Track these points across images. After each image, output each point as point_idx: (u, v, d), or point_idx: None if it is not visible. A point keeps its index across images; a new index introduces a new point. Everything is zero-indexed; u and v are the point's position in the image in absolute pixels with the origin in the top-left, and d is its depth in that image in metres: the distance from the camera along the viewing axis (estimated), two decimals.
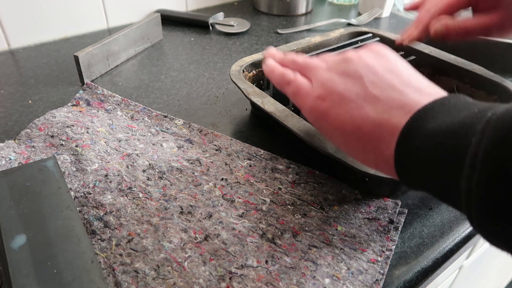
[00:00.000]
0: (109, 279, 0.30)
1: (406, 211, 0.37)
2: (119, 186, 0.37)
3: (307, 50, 0.55)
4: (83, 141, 0.42)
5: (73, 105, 0.49)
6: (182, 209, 0.36)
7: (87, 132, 0.43)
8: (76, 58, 0.53)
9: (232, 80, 0.46)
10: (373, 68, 0.30)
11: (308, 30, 0.76)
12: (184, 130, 0.46)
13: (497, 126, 0.20)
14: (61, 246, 0.30)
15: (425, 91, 0.27)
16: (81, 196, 0.36)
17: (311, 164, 0.42)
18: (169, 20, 0.76)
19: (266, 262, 0.32)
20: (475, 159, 0.20)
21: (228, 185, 0.39)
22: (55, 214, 0.32)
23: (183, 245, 0.33)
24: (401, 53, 0.53)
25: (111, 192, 0.37)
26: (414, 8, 0.49)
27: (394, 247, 0.34)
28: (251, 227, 0.35)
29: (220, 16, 0.77)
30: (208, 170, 0.41)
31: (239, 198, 0.38)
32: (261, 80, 0.52)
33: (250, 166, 0.41)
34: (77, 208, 0.35)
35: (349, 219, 0.36)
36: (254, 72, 0.51)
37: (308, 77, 0.34)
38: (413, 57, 0.52)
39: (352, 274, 0.31)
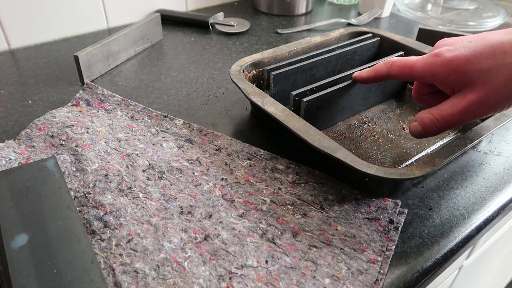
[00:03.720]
0: (109, 279, 0.30)
1: (406, 211, 0.37)
2: (119, 186, 0.37)
3: (307, 50, 0.55)
4: (83, 141, 0.42)
5: (73, 105, 0.49)
6: (182, 209, 0.36)
7: (87, 132, 0.43)
8: (76, 58, 0.53)
9: (232, 80, 0.46)
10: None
11: (308, 30, 0.76)
12: (184, 130, 0.46)
13: None
14: (61, 246, 0.30)
15: None
16: (81, 196, 0.36)
17: (311, 164, 0.42)
18: (169, 20, 0.76)
19: (266, 262, 0.32)
20: None
21: (228, 185, 0.39)
22: (55, 214, 0.32)
23: (183, 245, 0.33)
24: (401, 53, 0.53)
25: (111, 192, 0.37)
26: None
27: (394, 247, 0.34)
28: (251, 227, 0.35)
29: (220, 16, 0.77)
30: (208, 170, 0.41)
31: (239, 198, 0.38)
32: (261, 80, 0.52)
33: (250, 166, 0.41)
34: (77, 208, 0.35)
35: (349, 219, 0.36)
36: (254, 72, 0.51)
37: None
38: None
39: (352, 274, 0.31)
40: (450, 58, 0.35)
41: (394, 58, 0.40)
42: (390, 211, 0.37)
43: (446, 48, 0.36)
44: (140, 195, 0.37)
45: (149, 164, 0.41)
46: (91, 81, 0.55)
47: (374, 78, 0.42)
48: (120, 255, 0.32)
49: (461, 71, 0.34)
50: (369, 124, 0.49)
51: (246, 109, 0.51)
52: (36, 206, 0.33)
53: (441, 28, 0.74)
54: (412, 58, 0.38)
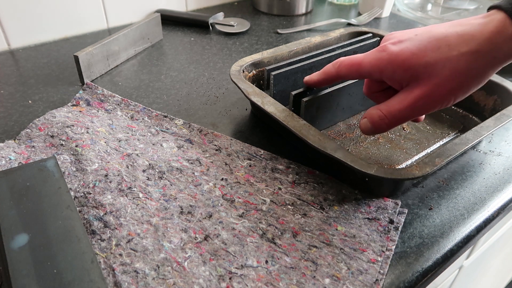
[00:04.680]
0: (109, 279, 0.30)
1: (406, 211, 0.37)
2: (119, 186, 0.37)
3: (307, 50, 0.55)
4: (83, 141, 0.42)
5: (73, 105, 0.49)
6: (182, 209, 0.36)
7: (87, 132, 0.43)
8: (76, 58, 0.53)
9: (232, 80, 0.46)
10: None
11: (308, 30, 0.76)
12: (184, 130, 0.46)
13: None
14: (61, 246, 0.30)
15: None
16: (81, 196, 0.36)
17: (311, 164, 0.42)
18: (169, 20, 0.76)
19: (266, 262, 0.32)
20: None
21: (228, 185, 0.39)
22: (55, 214, 0.32)
23: (183, 245, 0.33)
24: None
25: (111, 192, 0.37)
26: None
27: (394, 247, 0.34)
28: (251, 227, 0.35)
29: (220, 16, 0.77)
30: (208, 170, 0.41)
31: (239, 198, 0.38)
32: (261, 80, 0.52)
33: (250, 166, 0.41)
34: (77, 208, 0.35)
35: (349, 219, 0.36)
36: (254, 72, 0.51)
37: None
38: None
39: (352, 274, 0.31)
40: (396, 52, 0.34)
41: (342, 58, 0.39)
42: (390, 211, 0.37)
43: (392, 42, 0.35)
44: (140, 195, 0.37)
45: (149, 164, 0.41)
46: (91, 81, 0.55)
47: (324, 80, 0.41)
48: (120, 255, 0.32)
49: (407, 65, 0.34)
50: None
51: (246, 109, 0.51)
52: (36, 206, 0.33)
53: None
54: (360, 55, 0.37)
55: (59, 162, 0.39)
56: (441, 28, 0.34)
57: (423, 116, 0.41)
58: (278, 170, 0.41)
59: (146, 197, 0.37)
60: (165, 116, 0.48)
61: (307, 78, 0.43)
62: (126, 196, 0.37)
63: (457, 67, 0.32)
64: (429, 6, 0.91)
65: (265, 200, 0.38)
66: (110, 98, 0.50)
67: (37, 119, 0.45)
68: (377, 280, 0.31)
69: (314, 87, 0.43)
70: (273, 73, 0.47)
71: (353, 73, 0.38)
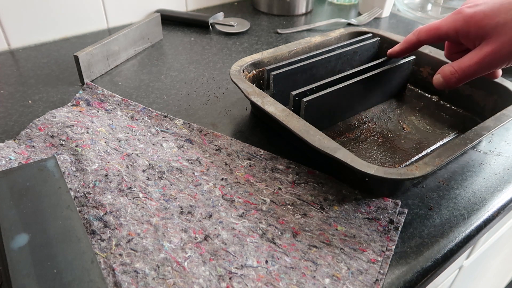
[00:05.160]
0: (109, 279, 0.30)
1: (406, 211, 0.37)
2: (119, 186, 0.37)
3: (307, 50, 0.55)
4: (83, 141, 0.42)
5: (73, 105, 0.49)
6: (182, 209, 0.36)
7: (87, 132, 0.43)
8: (76, 58, 0.53)
9: (232, 80, 0.46)
10: None
11: (308, 30, 0.76)
12: (184, 130, 0.46)
13: None
14: (61, 246, 0.30)
15: None
16: (81, 196, 0.36)
17: (311, 164, 0.42)
18: (169, 20, 0.76)
19: (266, 262, 0.32)
20: None
21: (228, 185, 0.39)
22: (55, 214, 0.32)
23: (183, 245, 0.33)
24: (414, 57, 0.53)
25: (111, 192, 0.37)
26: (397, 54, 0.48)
27: (394, 247, 0.34)
28: (251, 227, 0.35)
29: (220, 16, 0.77)
30: (208, 170, 0.41)
31: (239, 198, 0.38)
32: (261, 80, 0.52)
33: (250, 166, 0.41)
34: (77, 208, 0.35)
35: (349, 219, 0.36)
36: (254, 72, 0.51)
37: None
38: (413, 57, 0.52)
39: (352, 274, 0.31)
40: (471, 14, 0.38)
41: (420, 27, 0.43)
42: (390, 211, 0.37)
43: (468, 5, 0.39)
44: (140, 195, 0.37)
45: (149, 164, 0.41)
46: (91, 81, 0.55)
47: (406, 48, 0.46)
48: (120, 255, 0.32)
49: (480, 25, 0.37)
50: (369, 124, 0.49)
51: (246, 109, 0.51)
52: (36, 206, 0.33)
53: None
54: (436, 21, 0.42)
55: (59, 162, 0.39)
56: None
57: (500, 72, 0.44)
58: (278, 170, 0.41)
59: (146, 197, 0.37)
60: (165, 116, 0.48)
61: (390, 50, 0.49)
62: (126, 196, 0.37)
63: None
64: (429, 6, 0.91)
65: (265, 200, 0.38)
66: (110, 98, 0.50)
67: (37, 119, 0.45)
68: (377, 280, 0.31)
69: (397, 57, 0.49)
70: (273, 73, 0.47)
71: (431, 36, 0.42)
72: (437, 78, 0.41)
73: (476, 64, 0.38)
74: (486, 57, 0.37)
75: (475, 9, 0.38)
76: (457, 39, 0.40)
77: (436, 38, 0.42)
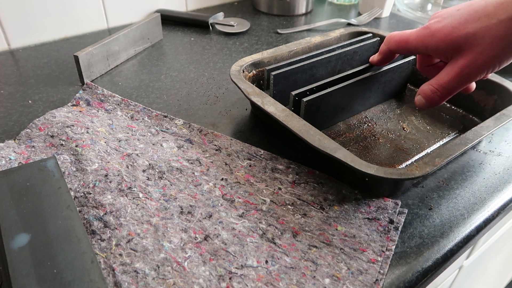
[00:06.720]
0: (109, 279, 0.30)
1: (406, 211, 0.37)
2: (119, 186, 0.37)
3: (307, 50, 0.55)
4: (83, 141, 0.42)
5: (73, 105, 0.49)
6: (182, 209, 0.36)
7: (87, 132, 0.43)
8: (76, 58, 0.53)
9: (232, 80, 0.46)
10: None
11: (308, 30, 0.76)
12: (184, 130, 0.46)
13: None
14: (61, 246, 0.30)
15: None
16: (81, 196, 0.36)
17: (311, 164, 0.42)
18: (169, 20, 0.76)
19: (266, 262, 0.32)
20: None
21: (228, 185, 0.39)
22: (55, 214, 0.32)
23: (183, 245, 0.33)
24: (414, 57, 0.53)
25: (111, 192, 0.37)
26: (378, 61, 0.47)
27: (394, 247, 0.34)
28: (251, 227, 0.35)
29: (220, 16, 0.77)
30: (208, 170, 0.41)
31: (239, 198, 0.38)
32: (261, 80, 0.52)
33: (250, 166, 0.41)
34: (77, 208, 0.35)
35: (349, 219, 0.36)
36: (254, 72, 0.51)
37: None
38: (413, 57, 0.52)
39: (352, 274, 0.31)
40: (439, 28, 0.37)
41: (391, 34, 0.42)
42: (390, 211, 0.37)
43: (435, 20, 0.38)
44: (140, 195, 0.37)
45: (149, 164, 0.41)
46: (91, 81, 0.55)
47: (382, 58, 0.45)
48: (120, 255, 0.32)
49: (450, 38, 0.36)
50: (369, 124, 0.49)
51: (246, 109, 0.51)
52: (36, 206, 0.33)
53: None
54: (407, 32, 0.41)
55: (59, 162, 0.39)
56: (481, 0, 0.37)
57: (474, 85, 0.43)
58: (278, 170, 0.41)
59: (146, 197, 0.37)
60: (165, 116, 0.48)
61: (370, 58, 0.48)
62: (126, 196, 0.37)
63: (497, 34, 0.34)
64: (429, 6, 0.91)
65: (265, 200, 0.38)
66: (110, 98, 0.50)
67: (37, 119, 0.45)
68: (377, 280, 0.31)
69: (377, 65, 0.48)
70: (273, 73, 0.47)
71: (402, 48, 0.41)
72: (419, 99, 0.40)
73: (454, 79, 0.37)
74: (463, 70, 0.36)
75: (443, 23, 0.37)
76: (426, 53, 0.39)
77: (406, 51, 0.41)
